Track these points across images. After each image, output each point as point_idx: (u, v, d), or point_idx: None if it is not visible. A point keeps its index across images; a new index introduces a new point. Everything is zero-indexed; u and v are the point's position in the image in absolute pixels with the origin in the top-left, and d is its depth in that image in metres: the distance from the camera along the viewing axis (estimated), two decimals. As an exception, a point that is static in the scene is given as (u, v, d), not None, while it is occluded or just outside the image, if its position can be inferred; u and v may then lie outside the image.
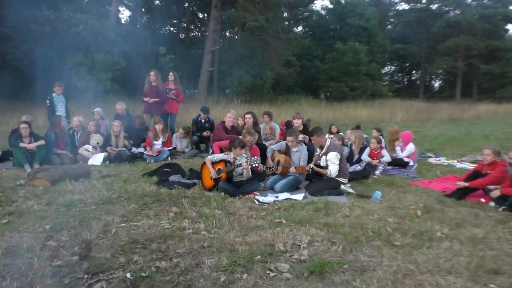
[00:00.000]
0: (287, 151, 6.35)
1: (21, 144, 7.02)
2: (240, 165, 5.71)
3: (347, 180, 6.07)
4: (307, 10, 34.63)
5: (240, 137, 6.48)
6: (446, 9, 42.69)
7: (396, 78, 54.38)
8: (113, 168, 7.27)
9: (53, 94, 8.92)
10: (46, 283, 2.96)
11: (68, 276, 3.07)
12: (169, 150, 8.53)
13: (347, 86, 32.17)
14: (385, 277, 3.10)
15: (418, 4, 45.13)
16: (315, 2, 46.34)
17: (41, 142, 7.20)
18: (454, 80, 42.87)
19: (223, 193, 5.51)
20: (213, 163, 5.88)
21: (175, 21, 36.75)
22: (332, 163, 5.87)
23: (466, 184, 5.66)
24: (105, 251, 3.54)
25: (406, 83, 53.97)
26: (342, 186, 5.95)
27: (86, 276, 3.08)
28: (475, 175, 5.90)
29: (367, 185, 6.50)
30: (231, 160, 5.87)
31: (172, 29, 38.24)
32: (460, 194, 5.67)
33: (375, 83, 34.40)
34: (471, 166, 7.80)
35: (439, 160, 9.02)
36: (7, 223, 4.18)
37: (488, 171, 5.72)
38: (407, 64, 51.37)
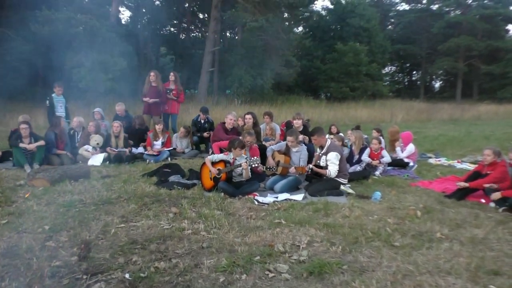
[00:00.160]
0: (287, 152, 6.34)
1: (21, 145, 7.01)
2: (240, 165, 5.70)
3: (347, 180, 6.07)
4: (307, 10, 34.65)
5: (240, 137, 6.47)
6: (447, 9, 42.66)
7: (396, 78, 54.32)
8: (113, 169, 7.27)
9: (53, 95, 8.93)
10: (44, 284, 2.96)
11: (67, 277, 3.07)
12: (169, 150, 8.53)
13: (348, 87, 32.16)
14: (384, 277, 3.09)
15: (419, 5, 45.13)
16: (315, 2, 46.39)
17: (41, 142, 7.20)
18: (455, 80, 42.82)
19: (222, 194, 5.51)
20: (213, 163, 5.87)
21: (175, 22, 36.77)
22: (332, 163, 5.86)
23: (467, 184, 5.65)
24: (104, 252, 3.53)
25: (406, 83, 53.92)
26: (342, 187, 5.95)
27: (85, 276, 3.07)
28: (475, 175, 5.89)
29: (367, 186, 6.50)
30: (231, 161, 5.86)
31: (172, 29, 38.26)
32: (460, 194, 5.66)
33: (376, 83, 34.39)
34: (471, 167, 7.80)
35: (439, 160, 9.01)
36: (6, 224, 4.17)
37: (489, 172, 5.71)
38: (408, 65, 51.33)
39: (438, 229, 4.25)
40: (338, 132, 9.60)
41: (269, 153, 6.58)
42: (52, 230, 4.02)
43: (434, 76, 51.96)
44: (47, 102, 8.92)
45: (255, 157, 5.84)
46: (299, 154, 6.23)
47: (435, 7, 43.45)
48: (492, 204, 5.26)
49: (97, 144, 7.98)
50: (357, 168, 7.50)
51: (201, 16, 36.53)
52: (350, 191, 5.94)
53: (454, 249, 3.69)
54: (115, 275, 3.09)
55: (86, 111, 12.21)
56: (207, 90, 25.10)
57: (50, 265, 3.24)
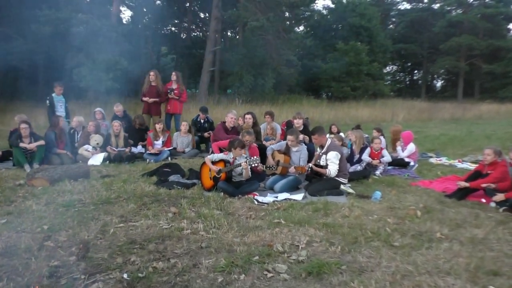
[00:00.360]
0: (287, 151, 6.33)
1: (21, 144, 7.02)
2: (240, 165, 5.69)
3: (347, 180, 6.05)
4: (308, 9, 34.62)
5: (239, 137, 6.46)
6: (448, 8, 42.58)
7: (398, 77, 54.26)
8: (113, 168, 7.27)
9: (53, 94, 8.95)
10: (42, 284, 2.95)
11: (65, 277, 3.06)
12: (169, 150, 8.52)
13: (349, 86, 32.12)
14: (383, 278, 3.08)
15: (420, 4, 45.07)
16: (316, 1, 46.36)
17: (41, 142, 7.20)
18: (456, 79, 42.73)
19: (222, 193, 5.50)
20: (213, 163, 5.86)
21: (176, 21, 36.79)
22: (332, 162, 5.85)
23: (467, 184, 5.63)
24: (103, 252, 3.53)
25: (408, 82, 53.86)
26: (342, 186, 5.93)
27: (83, 276, 3.06)
28: (476, 175, 5.87)
29: (367, 185, 6.48)
30: (231, 160, 5.85)
31: (173, 29, 38.29)
32: (461, 194, 5.63)
33: (377, 83, 34.34)
34: (472, 166, 7.76)
35: (440, 160, 8.99)
36: (5, 223, 4.17)
37: (489, 171, 5.69)
38: (409, 64, 51.27)
39: (438, 229, 4.23)
40: (338, 132, 9.60)
41: (269, 153, 6.57)
42: (51, 229, 4.02)
43: (435, 76, 51.87)
44: (47, 101, 8.94)
45: (255, 157, 5.82)
46: (299, 154, 6.21)
47: (436, 6, 43.42)
48: (493, 204, 5.23)
49: (97, 144, 7.98)
50: (358, 167, 7.49)
51: (202, 15, 36.56)
52: (350, 190, 5.93)
53: (453, 249, 3.68)
54: (113, 275, 3.08)
55: (87, 111, 12.22)
56: (207, 89, 25.10)
57: (49, 265, 3.23)
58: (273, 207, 5.04)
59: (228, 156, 5.91)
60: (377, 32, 36.33)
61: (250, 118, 8.06)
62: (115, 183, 6.02)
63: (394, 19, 50.11)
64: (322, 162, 6.00)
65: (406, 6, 48.16)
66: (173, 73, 10.06)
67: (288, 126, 8.51)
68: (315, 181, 6.12)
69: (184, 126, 8.99)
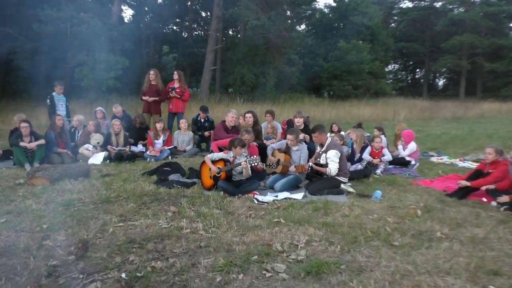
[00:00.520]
0: (287, 150, 6.31)
1: (21, 143, 7.02)
2: (240, 164, 5.68)
3: (347, 179, 6.03)
4: (310, 8, 34.51)
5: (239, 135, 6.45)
6: (450, 7, 42.42)
7: (399, 76, 54.20)
8: (113, 167, 7.27)
9: (54, 94, 8.96)
10: (41, 283, 2.95)
11: (63, 276, 3.05)
12: (169, 149, 8.52)
13: (350, 85, 32.03)
14: (382, 277, 3.06)
15: (422, 2, 44.90)
16: (318, 0, 46.23)
17: (41, 141, 7.20)
18: (458, 78, 42.62)
19: (222, 192, 5.49)
20: (213, 162, 5.85)
21: (178, 20, 36.75)
22: (332, 161, 5.83)
23: (468, 183, 5.60)
24: (102, 251, 3.52)
25: (409, 81, 53.78)
26: (342, 185, 5.91)
27: (81, 276, 3.06)
28: (477, 174, 5.84)
29: (368, 184, 6.46)
30: (231, 159, 5.84)
31: (175, 28, 38.25)
32: (462, 193, 5.61)
33: (378, 81, 34.26)
34: (473, 165, 7.74)
35: (441, 159, 8.96)
36: (4, 222, 4.17)
37: (490, 170, 5.67)
38: (411, 63, 51.17)
39: (438, 228, 4.21)
40: (339, 131, 9.58)
41: (269, 152, 6.56)
42: (50, 229, 4.01)
43: (437, 74, 51.75)
44: (48, 101, 8.95)
45: (255, 156, 5.81)
46: (299, 153, 6.19)
47: (438, 4, 43.29)
48: (494, 203, 5.21)
49: (98, 143, 7.98)
50: (358, 166, 7.47)
51: (203, 14, 36.49)
52: (351, 190, 5.91)
53: (454, 249, 3.66)
54: (111, 275, 3.07)
55: (88, 110, 12.22)
56: (209, 88, 25.09)
57: (47, 265, 3.23)
58: (273, 206, 5.02)
59: (228, 155, 5.90)
60: (379, 30, 36.25)
61: (250, 117, 8.04)
62: (115, 182, 6.02)
63: (396, 18, 49.98)
64: (322, 161, 5.98)
65: (408, 4, 48.20)
66: (175, 72, 10.06)
67: (289, 125, 8.50)
68: (316, 180, 6.10)
69: (183, 123, 8.99)
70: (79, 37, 17.66)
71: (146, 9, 32.44)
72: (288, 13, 29.15)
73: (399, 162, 7.99)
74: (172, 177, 6.30)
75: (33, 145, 7.07)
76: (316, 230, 4.11)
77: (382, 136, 8.35)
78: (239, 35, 32.14)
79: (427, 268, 3.24)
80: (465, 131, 15.40)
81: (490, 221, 4.53)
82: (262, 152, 6.96)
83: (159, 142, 8.60)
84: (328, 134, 6.95)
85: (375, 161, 7.39)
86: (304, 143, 6.80)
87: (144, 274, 3.08)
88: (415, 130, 12.73)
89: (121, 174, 6.65)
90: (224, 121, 8.21)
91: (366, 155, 7.47)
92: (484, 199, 5.44)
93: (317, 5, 38.51)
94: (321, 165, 5.96)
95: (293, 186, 6.03)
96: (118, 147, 8.17)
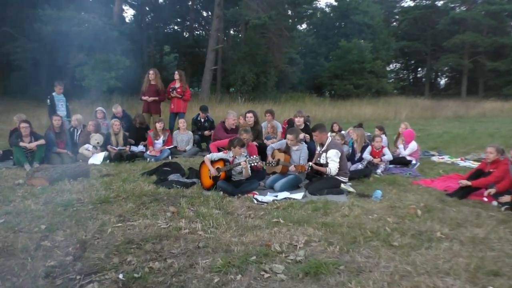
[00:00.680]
0: (287, 150, 6.29)
1: (21, 144, 7.01)
2: (239, 164, 5.66)
3: (347, 179, 6.00)
4: (311, 7, 34.49)
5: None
6: (452, 5, 42.28)
7: (401, 75, 54.09)
8: (113, 167, 7.25)
9: (54, 94, 8.96)
10: (38, 284, 2.94)
11: (60, 277, 3.04)
12: (169, 149, 8.51)
13: (351, 84, 31.99)
14: (381, 278, 3.04)
15: (423, 1, 44.76)
16: (319, -1, 46.14)
17: (41, 141, 7.20)
18: (460, 77, 42.53)
19: (221, 192, 5.47)
20: (212, 162, 5.84)
21: (179, 20, 36.78)
22: (332, 160, 5.80)
23: (469, 182, 5.57)
24: (100, 252, 3.51)
25: (411, 80, 53.69)
26: (342, 185, 5.88)
27: (78, 277, 3.04)
28: (478, 173, 5.82)
29: (368, 184, 6.43)
30: (230, 159, 5.82)
31: (176, 27, 38.29)
32: (462, 193, 5.58)
33: (380, 80, 34.20)
34: (475, 165, 7.70)
35: (442, 158, 8.92)
36: (3, 223, 4.16)
37: (491, 170, 5.64)
38: (412, 62, 51.07)
39: (438, 228, 4.18)
40: (340, 130, 9.56)
41: (269, 152, 6.55)
42: (48, 229, 4.00)
43: (439, 73, 51.64)
44: (48, 101, 8.95)
45: (254, 156, 5.79)
46: (299, 153, 6.17)
47: (440, 3, 43.11)
48: (495, 203, 5.18)
49: (98, 143, 7.97)
50: (359, 166, 7.44)
51: (204, 14, 36.52)
52: (351, 189, 5.88)
53: (453, 249, 3.63)
54: (108, 276, 3.06)
55: (89, 110, 12.22)
56: (210, 88, 25.09)
57: (45, 265, 3.21)
58: (272, 206, 5.00)
59: (228, 155, 5.88)
60: (380, 29, 36.17)
61: (251, 116, 8.03)
62: (114, 182, 6.00)
63: (397, 17, 49.89)
64: (322, 160, 5.96)
65: (409, 3, 48.16)
66: (176, 72, 10.04)
67: (290, 125, 8.48)
68: (316, 180, 6.08)
69: (182, 123, 8.99)
70: (80, 37, 17.67)
71: (147, 9, 32.45)
72: (289, 12, 29.11)
73: (400, 162, 7.95)
74: (172, 177, 6.28)
75: (32, 145, 7.07)
76: (316, 230, 4.09)
77: (383, 136, 8.32)
78: (240, 35, 32.11)
79: (427, 269, 3.21)
80: (467, 130, 15.35)
81: (490, 221, 4.50)
82: (263, 152, 6.95)
83: (159, 142, 8.58)
84: (329, 134, 6.94)
85: (376, 160, 7.36)
86: (304, 142, 6.78)
87: (142, 275, 3.07)
88: (417, 129, 12.70)
89: (120, 174, 6.63)
90: (224, 122, 8.20)
91: (366, 155, 7.44)
92: (485, 199, 5.40)
93: (318, 4, 38.57)
94: (321, 165, 5.94)
95: (293, 186, 6.01)
96: (118, 147, 8.15)
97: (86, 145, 7.92)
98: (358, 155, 7.67)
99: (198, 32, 38.45)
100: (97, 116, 9.12)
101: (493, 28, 38.61)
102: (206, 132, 9.44)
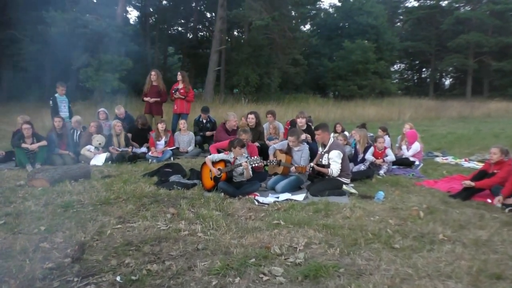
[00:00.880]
0: (288, 151, 6.25)
1: (23, 145, 7.03)
2: (240, 165, 5.63)
3: (349, 180, 5.96)
4: (314, 8, 34.45)
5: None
6: (456, 5, 42.11)
7: (405, 76, 53.90)
8: (115, 169, 7.24)
9: (56, 95, 8.97)
10: (35, 286, 2.92)
11: (58, 279, 3.02)
12: (172, 150, 8.49)
13: (355, 85, 31.90)
14: (382, 281, 2.99)
15: (428, 1, 44.58)
16: (322, 0, 46.08)
17: (43, 142, 7.21)
18: (465, 77, 42.30)
19: (222, 194, 5.44)
20: (213, 163, 5.81)
21: (183, 21, 36.85)
22: (334, 161, 5.76)
23: (472, 183, 5.51)
24: (98, 253, 3.48)
25: (416, 81, 53.48)
26: (344, 186, 5.83)
27: (76, 279, 3.02)
28: (481, 174, 5.75)
29: (371, 185, 6.38)
30: (231, 160, 5.79)
31: (180, 29, 38.37)
32: (466, 194, 5.52)
33: (384, 81, 34.06)
34: (479, 165, 7.62)
35: (446, 159, 8.84)
36: (3, 224, 4.14)
37: (495, 171, 5.57)
38: (417, 62, 50.87)
39: (440, 230, 4.12)
40: (343, 131, 9.51)
41: (271, 152, 6.52)
42: (48, 231, 3.98)
43: (443, 74, 51.40)
44: (50, 102, 8.97)
45: (255, 157, 5.76)
46: (301, 153, 6.13)
47: (444, 3, 42.96)
48: (499, 204, 5.11)
49: (99, 144, 7.97)
50: (361, 167, 7.38)
51: (208, 15, 36.55)
52: (353, 191, 5.83)
53: (456, 252, 3.57)
54: (106, 278, 3.04)
55: (93, 111, 12.23)
56: (213, 89, 25.10)
57: (43, 267, 3.19)
58: (273, 208, 4.97)
59: (229, 156, 5.85)
60: (384, 30, 36.05)
61: (253, 118, 8.00)
62: (115, 183, 5.97)
63: (401, 17, 49.76)
64: (324, 161, 5.92)
65: (413, 3, 48.01)
66: (179, 73, 10.03)
67: (292, 125, 8.45)
68: (317, 181, 6.04)
69: (182, 124, 8.98)
70: (83, 38, 17.74)
71: (151, 10, 32.54)
72: (293, 13, 29.07)
73: (403, 163, 7.89)
74: (173, 178, 6.25)
75: (34, 146, 7.08)
76: (316, 232, 4.05)
77: (386, 137, 8.26)
78: (243, 36, 32.12)
79: (428, 272, 3.16)
80: (471, 131, 15.23)
81: (494, 223, 4.43)
82: (265, 152, 6.91)
83: (161, 143, 8.57)
84: (332, 135, 6.89)
85: (378, 161, 7.31)
86: (306, 143, 6.74)
87: (139, 277, 3.04)
88: (421, 130, 12.63)
89: (122, 175, 6.61)
90: (225, 123, 8.18)
91: (369, 156, 7.38)
92: (489, 200, 5.34)
93: (321, 5, 38.55)
94: (323, 166, 5.89)
95: (294, 187, 5.97)
96: (120, 148, 8.15)
97: (88, 146, 7.93)
98: (360, 156, 7.61)
99: (202, 34, 38.51)
100: (99, 117, 9.13)
101: (498, 28, 38.35)
102: (208, 133, 9.42)
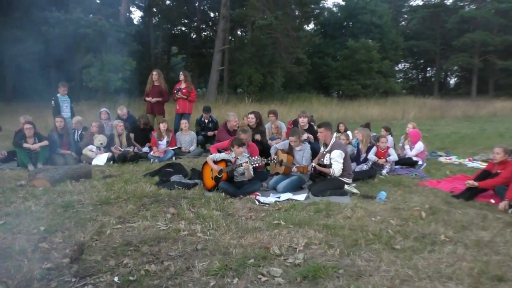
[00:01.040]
0: (290, 151, 6.22)
1: (25, 145, 7.05)
2: (241, 165, 5.60)
3: (351, 180, 5.91)
4: (318, 7, 34.32)
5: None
6: (461, 4, 41.84)
7: (410, 75, 53.63)
8: (116, 168, 7.24)
9: (58, 95, 8.98)
10: (32, 287, 2.91)
11: (55, 280, 3.01)
12: (174, 149, 8.48)
13: (359, 84, 31.73)
14: (381, 283, 2.96)
15: (432, 0, 44.33)
16: (326, -1, 45.92)
17: (45, 142, 7.22)
18: (470, 76, 42.02)
19: (223, 194, 5.42)
20: (214, 163, 5.79)
21: (186, 21, 36.88)
22: (336, 161, 5.73)
23: (475, 183, 5.45)
24: (97, 254, 3.47)
25: (420, 80, 53.20)
26: (346, 186, 5.79)
27: (73, 279, 3.01)
28: (485, 174, 5.69)
29: (373, 185, 6.33)
30: (232, 160, 5.77)
31: (183, 28, 38.40)
32: (469, 194, 5.46)
33: (388, 80, 33.88)
34: (483, 165, 7.54)
35: (449, 159, 8.76)
36: (2, 224, 4.15)
37: (499, 171, 5.50)
38: (422, 61, 50.61)
39: (442, 231, 4.08)
40: (346, 130, 9.46)
41: (272, 152, 6.49)
42: (47, 231, 3.98)
43: (448, 73, 51.11)
44: (52, 102, 8.99)
45: (256, 157, 5.74)
46: (302, 153, 6.09)
47: (449, 1, 42.69)
48: (502, 205, 5.04)
49: (101, 144, 7.97)
50: (364, 167, 7.33)
51: (212, 15, 36.55)
52: (355, 191, 5.79)
53: (457, 253, 3.53)
54: (103, 278, 3.02)
55: (96, 111, 12.23)
56: (216, 89, 25.08)
57: (41, 267, 3.19)
58: (274, 208, 4.94)
59: (230, 156, 5.83)
60: (388, 29, 35.87)
61: (252, 117, 7.97)
62: (116, 183, 5.96)
63: (405, 16, 49.47)
64: (326, 161, 5.88)
65: (418, 2, 47.87)
66: (181, 73, 10.04)
67: (295, 125, 8.42)
68: (319, 181, 6.01)
69: (184, 124, 8.97)
70: (87, 39, 17.79)
71: (155, 10, 32.60)
72: (296, 12, 28.99)
73: (406, 162, 7.83)
74: (174, 178, 6.24)
75: (36, 146, 7.09)
76: (316, 232, 4.02)
77: (389, 136, 8.20)
78: (246, 35, 32.08)
79: (428, 273, 3.12)
80: (476, 130, 15.12)
81: (497, 223, 4.38)
82: (267, 152, 6.88)
83: (162, 143, 8.56)
84: (335, 134, 6.85)
85: (381, 161, 7.25)
86: (307, 143, 6.70)
87: (137, 277, 3.03)
88: (424, 129, 12.55)
89: (123, 175, 6.60)
90: (226, 124, 8.17)
91: (371, 155, 7.33)
92: (492, 201, 5.28)
93: (325, 4, 38.38)
94: (325, 166, 5.86)
95: (296, 187, 5.94)
96: (122, 148, 8.15)
97: (90, 146, 7.93)
98: (363, 155, 7.56)
99: (206, 33, 38.53)
100: (101, 117, 9.13)
101: (503, 26, 37.99)
102: (210, 133, 9.40)
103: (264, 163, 5.96)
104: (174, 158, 8.27)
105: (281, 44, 25.88)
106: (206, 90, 27.51)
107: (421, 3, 46.19)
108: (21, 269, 3.16)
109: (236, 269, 3.17)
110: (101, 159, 7.68)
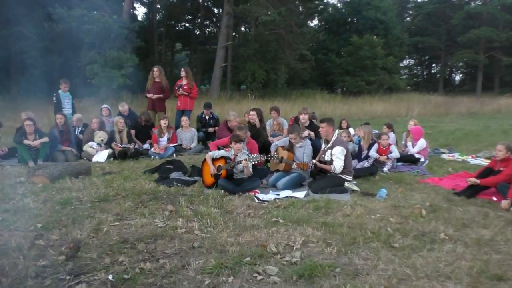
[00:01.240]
0: (290, 148, 6.18)
1: (25, 141, 7.04)
2: (240, 162, 5.57)
3: (351, 177, 5.86)
4: (322, 3, 34.07)
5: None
6: (467, 0, 41.39)
7: (415, 71, 53.26)
8: (117, 165, 7.22)
9: (59, 91, 8.98)
10: (26, 284, 2.89)
11: (50, 277, 3.00)
12: (174, 146, 8.46)
13: (363, 80, 31.50)
14: (378, 282, 2.92)
15: (437, -5, 43.93)
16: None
17: (45, 139, 7.21)
18: (475, 73, 41.63)
19: (222, 191, 5.39)
20: (214, 160, 5.76)
21: (190, 17, 36.82)
22: (337, 158, 5.68)
23: (477, 181, 5.38)
24: (93, 251, 3.46)
25: (425, 76, 52.81)
26: (347, 184, 5.74)
27: (68, 277, 2.99)
28: (487, 172, 5.62)
29: (374, 183, 6.28)
30: (232, 157, 5.74)
31: (187, 25, 38.34)
32: (471, 192, 5.40)
33: (392, 77, 33.61)
34: (486, 162, 7.46)
35: (452, 156, 8.68)
36: (0, 221, 4.14)
37: (501, 168, 5.43)
38: (427, 57, 50.17)
39: (442, 229, 4.03)
40: (348, 127, 9.41)
41: (273, 149, 6.45)
42: (44, 228, 3.97)
43: (453, 69, 50.69)
44: (54, 98, 8.99)
45: (256, 154, 5.70)
46: (303, 149, 6.05)
47: (454, -3, 42.25)
48: (504, 202, 4.98)
49: (102, 140, 7.96)
50: (365, 164, 7.27)
51: (215, 11, 36.44)
52: (355, 188, 5.74)
53: (457, 251, 3.48)
54: (98, 276, 3.00)
55: (99, 108, 12.23)
56: (219, 85, 25.02)
57: (36, 265, 3.18)
58: (273, 205, 4.90)
59: (229, 153, 5.80)
60: (393, 25, 35.57)
61: (254, 115, 7.93)
62: (116, 180, 5.95)
63: (410, 12, 49.05)
64: (327, 158, 5.84)
65: (423, -2, 47.07)
66: (182, 69, 9.99)
67: (296, 122, 8.36)
68: (319, 178, 5.96)
69: (184, 121, 8.94)
70: (90, 35, 17.76)
71: (158, 6, 32.55)
72: (300, 8, 28.81)
73: (408, 160, 7.76)
74: (174, 175, 6.22)
75: (36, 143, 7.09)
76: (315, 230, 3.98)
77: (391, 133, 8.13)
78: (250, 31, 31.96)
79: (427, 272, 3.08)
80: (480, 127, 14.98)
81: (498, 221, 4.32)
82: (267, 149, 6.84)
83: (163, 139, 8.54)
84: (337, 131, 6.79)
85: (382, 158, 7.19)
86: (308, 140, 6.65)
87: (132, 276, 3.01)
88: (428, 126, 12.45)
89: (123, 172, 6.58)
90: (226, 122, 8.13)
91: (372, 152, 7.26)
92: (494, 198, 5.22)
93: (329, 0, 38.08)
94: (325, 162, 5.81)
95: (296, 184, 5.90)
96: (122, 144, 8.14)
97: (90, 143, 7.92)
98: (364, 152, 7.50)
99: (209, 29, 38.45)
100: (102, 114, 9.13)
101: (509, 22, 37.53)
102: (210, 129, 9.37)
103: (263, 160, 5.92)
104: (174, 155, 8.25)
105: (285, 40, 25.75)
106: (210, 87, 27.45)
107: (426, -1, 45.82)
108: (16, 266, 3.15)
109: (232, 268, 3.14)
110: (101, 156, 7.67)
